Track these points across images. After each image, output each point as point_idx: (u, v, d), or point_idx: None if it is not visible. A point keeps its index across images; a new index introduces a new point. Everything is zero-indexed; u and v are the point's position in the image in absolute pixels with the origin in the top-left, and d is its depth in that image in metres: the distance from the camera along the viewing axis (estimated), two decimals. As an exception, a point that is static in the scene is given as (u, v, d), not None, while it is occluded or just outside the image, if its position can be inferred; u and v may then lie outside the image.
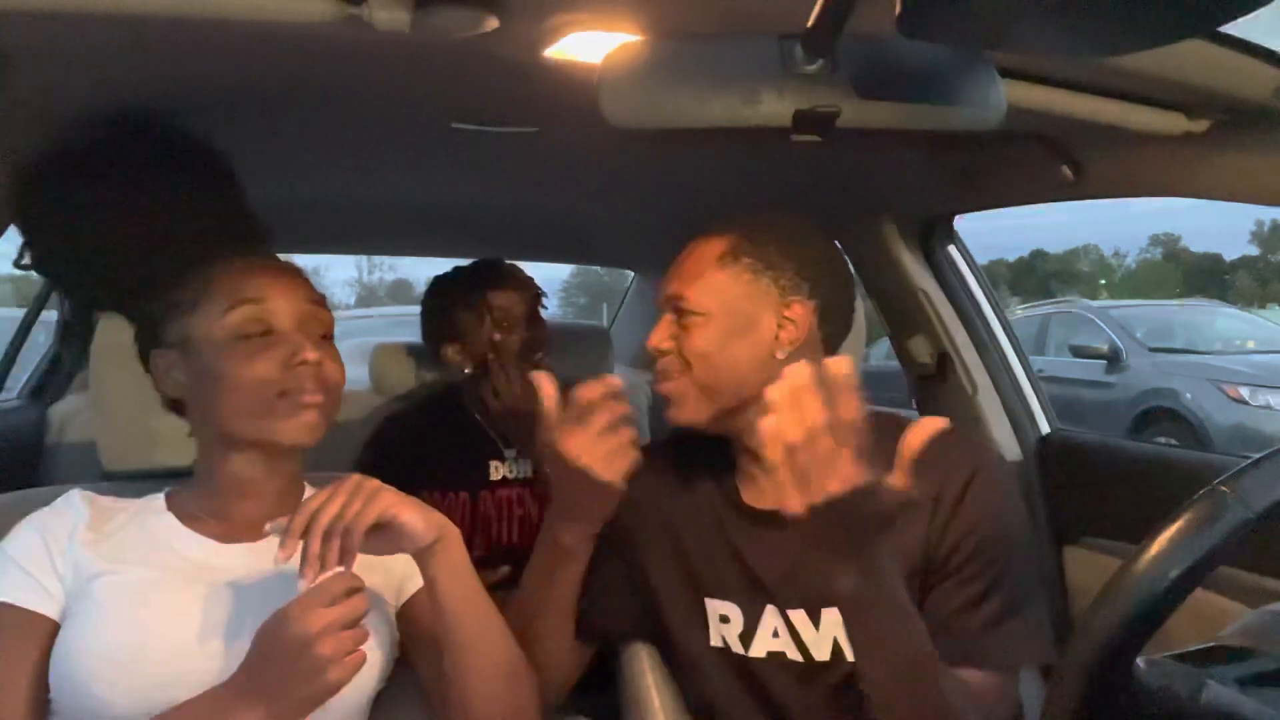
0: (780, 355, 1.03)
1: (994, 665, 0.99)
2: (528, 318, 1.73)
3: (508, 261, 1.80)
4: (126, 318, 1.07)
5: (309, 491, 1.06)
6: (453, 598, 0.92)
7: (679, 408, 1.08)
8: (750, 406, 1.03)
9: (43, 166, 1.26)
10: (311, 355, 0.95)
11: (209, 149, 1.33)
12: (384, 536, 0.87)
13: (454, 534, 0.92)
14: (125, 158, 1.25)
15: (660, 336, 1.08)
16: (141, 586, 0.92)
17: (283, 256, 1.07)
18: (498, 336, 1.69)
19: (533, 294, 1.77)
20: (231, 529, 0.99)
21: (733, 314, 1.04)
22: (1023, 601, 1.00)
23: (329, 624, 0.79)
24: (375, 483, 0.87)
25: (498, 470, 1.77)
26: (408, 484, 0.91)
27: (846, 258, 1.12)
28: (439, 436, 1.75)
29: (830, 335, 1.09)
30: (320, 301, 1.02)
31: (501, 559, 1.69)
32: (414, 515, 0.88)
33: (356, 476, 0.87)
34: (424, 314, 1.79)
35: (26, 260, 1.34)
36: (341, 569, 0.83)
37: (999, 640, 0.98)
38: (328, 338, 1.01)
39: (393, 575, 1.03)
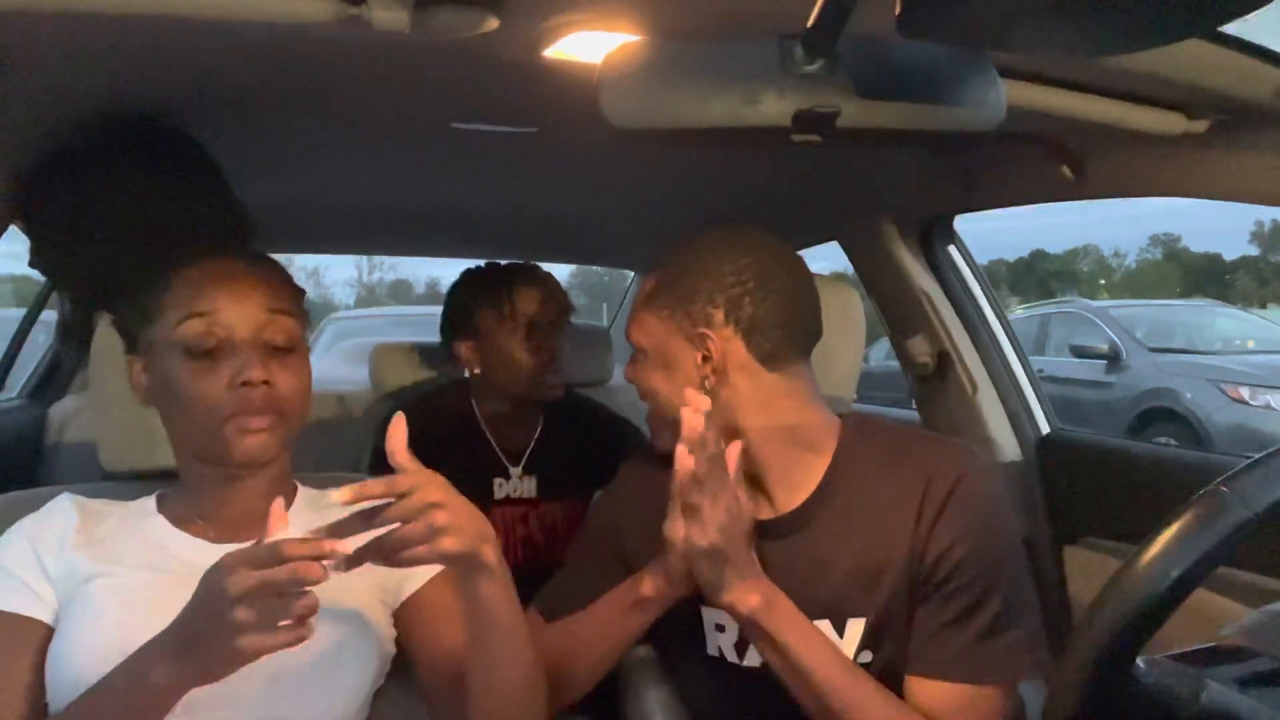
0: (709, 385, 1.04)
1: (984, 680, 0.98)
2: (550, 329, 1.68)
3: (545, 271, 1.74)
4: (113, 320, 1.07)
5: (301, 491, 1.06)
6: (495, 610, 0.88)
7: (654, 435, 1.15)
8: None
9: (42, 166, 1.26)
10: (257, 375, 0.92)
11: (194, 145, 1.33)
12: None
13: (494, 541, 0.87)
14: (122, 157, 1.25)
15: (628, 370, 1.14)
16: (135, 588, 0.92)
17: (283, 257, 1.05)
18: (515, 341, 1.64)
19: (561, 306, 1.71)
20: (222, 529, 0.98)
21: (659, 351, 1.08)
22: (1014, 614, 0.99)
23: (251, 587, 0.73)
24: (469, 526, 0.83)
25: (501, 488, 1.73)
26: None
27: (790, 261, 1.08)
28: (448, 444, 1.73)
29: (772, 352, 1.04)
30: (282, 309, 0.97)
31: None
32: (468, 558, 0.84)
33: (465, 513, 0.83)
34: (447, 307, 1.74)
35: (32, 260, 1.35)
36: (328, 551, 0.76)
37: (989, 655, 0.98)
38: (290, 349, 0.97)
39: (390, 574, 1.01)
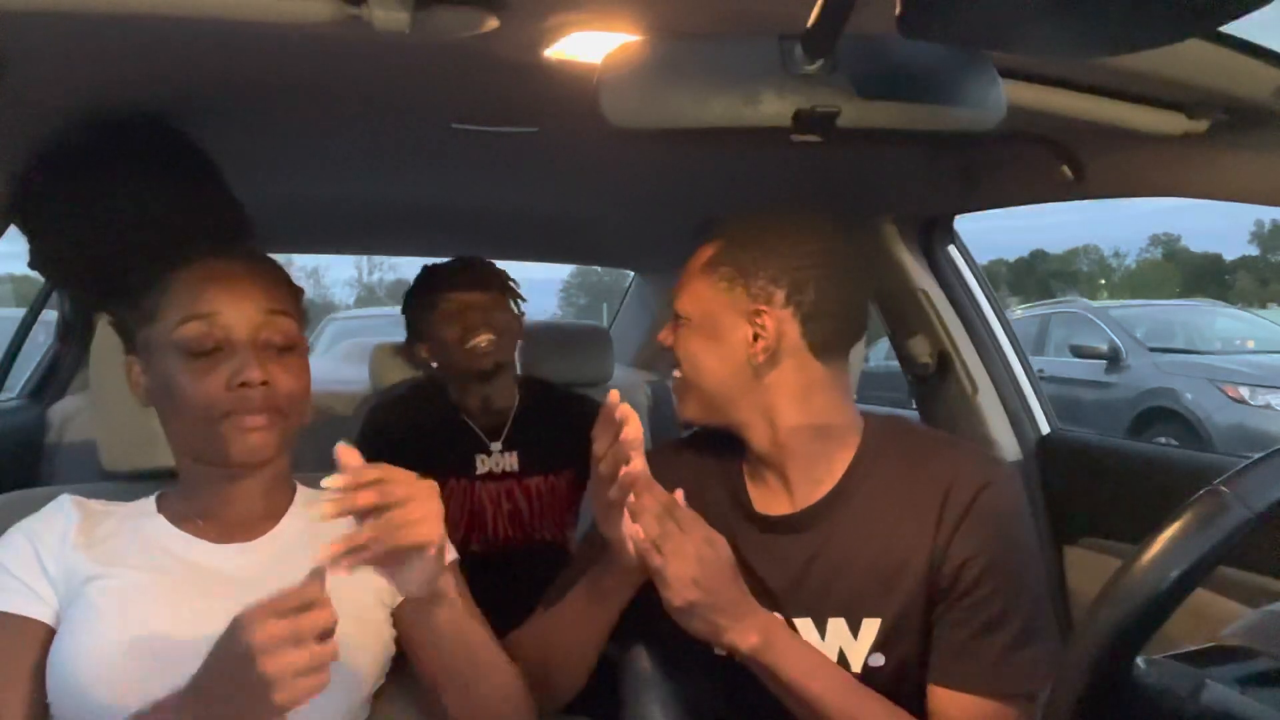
0: (757, 363, 1.03)
1: (1009, 695, 0.97)
2: (488, 313, 1.73)
3: (478, 259, 1.82)
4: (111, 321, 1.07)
5: (300, 491, 1.06)
6: (455, 635, 0.90)
7: (680, 403, 1.12)
8: (742, 409, 1.05)
9: (42, 166, 1.26)
10: (256, 375, 0.92)
11: (192, 144, 1.33)
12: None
13: (455, 571, 0.88)
14: (120, 157, 1.25)
15: (665, 333, 1.12)
16: (136, 589, 0.92)
17: (283, 257, 1.05)
18: (453, 333, 1.71)
19: (494, 291, 1.76)
20: (223, 530, 0.98)
21: (708, 320, 1.06)
22: (1038, 628, 0.98)
23: (278, 638, 0.72)
24: (434, 505, 0.82)
25: (483, 464, 1.79)
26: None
27: (854, 255, 1.07)
28: (428, 429, 1.77)
29: (825, 341, 1.04)
30: (281, 309, 0.98)
31: (497, 552, 1.70)
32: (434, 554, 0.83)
33: (425, 487, 0.82)
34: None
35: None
36: (315, 580, 0.76)
37: (1014, 669, 0.96)
38: (289, 348, 0.97)
39: None
